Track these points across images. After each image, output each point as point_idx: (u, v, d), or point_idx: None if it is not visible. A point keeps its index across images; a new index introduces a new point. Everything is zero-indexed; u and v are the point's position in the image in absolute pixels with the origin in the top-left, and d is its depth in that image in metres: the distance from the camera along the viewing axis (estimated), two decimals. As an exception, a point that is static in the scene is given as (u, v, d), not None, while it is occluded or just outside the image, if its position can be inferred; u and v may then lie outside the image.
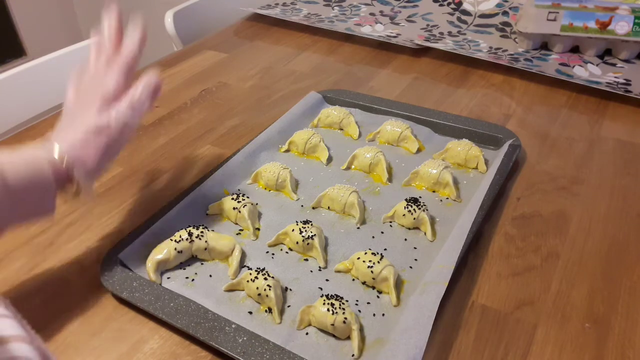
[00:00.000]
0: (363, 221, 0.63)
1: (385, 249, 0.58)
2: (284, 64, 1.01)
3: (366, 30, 1.10)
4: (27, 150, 0.49)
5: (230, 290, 0.54)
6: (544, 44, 1.02)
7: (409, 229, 0.61)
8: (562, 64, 0.96)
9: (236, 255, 0.56)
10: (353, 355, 0.47)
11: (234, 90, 0.92)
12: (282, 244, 0.60)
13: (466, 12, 1.14)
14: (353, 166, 0.72)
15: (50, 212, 0.50)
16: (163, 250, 0.55)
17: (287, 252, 0.59)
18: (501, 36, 1.07)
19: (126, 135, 0.54)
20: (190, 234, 0.57)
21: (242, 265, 0.57)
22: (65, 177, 0.50)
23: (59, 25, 2.49)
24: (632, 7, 0.95)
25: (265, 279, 0.52)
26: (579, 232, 0.61)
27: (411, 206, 0.61)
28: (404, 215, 0.61)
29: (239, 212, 0.61)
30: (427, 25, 1.12)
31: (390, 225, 0.62)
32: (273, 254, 0.58)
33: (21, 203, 0.47)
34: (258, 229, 0.62)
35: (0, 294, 0.53)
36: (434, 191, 0.67)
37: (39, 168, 0.48)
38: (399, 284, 0.54)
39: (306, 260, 0.58)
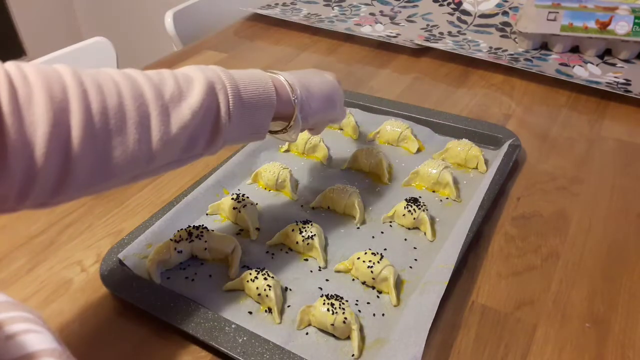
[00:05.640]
0: (363, 221, 0.63)
1: (385, 249, 0.58)
2: (284, 64, 1.01)
3: (366, 30, 1.10)
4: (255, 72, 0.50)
5: (230, 290, 0.54)
6: (544, 44, 1.02)
7: (409, 229, 0.61)
8: (562, 64, 0.96)
9: (236, 255, 0.56)
10: (353, 355, 0.47)
11: (234, 90, 0.92)
12: (282, 244, 0.60)
13: (466, 12, 1.14)
14: (353, 166, 0.72)
15: (263, 136, 0.52)
16: (163, 250, 0.55)
17: (287, 252, 0.59)
18: (501, 36, 1.07)
19: (336, 109, 0.60)
20: (190, 234, 0.57)
21: (242, 265, 0.57)
22: (286, 105, 0.51)
23: (59, 25, 2.49)
24: (632, 7, 0.95)
25: (265, 279, 0.52)
26: (579, 232, 0.61)
27: (411, 206, 0.61)
28: (404, 215, 0.61)
29: (239, 212, 0.61)
30: (427, 25, 1.12)
31: (390, 225, 0.62)
32: (273, 254, 0.58)
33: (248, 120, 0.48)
34: (258, 229, 0.62)
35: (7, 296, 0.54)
36: (434, 191, 0.67)
37: (268, 88, 0.49)
38: (399, 284, 0.54)
39: (306, 260, 0.58)
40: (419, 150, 0.75)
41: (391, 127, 0.76)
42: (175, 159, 0.45)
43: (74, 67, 0.39)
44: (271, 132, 0.54)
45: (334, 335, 0.49)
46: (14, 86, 0.35)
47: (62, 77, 0.37)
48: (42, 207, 0.39)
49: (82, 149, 0.37)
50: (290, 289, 0.54)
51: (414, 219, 0.60)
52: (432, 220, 0.62)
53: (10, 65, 0.36)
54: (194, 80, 0.44)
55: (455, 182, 0.67)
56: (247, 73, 0.49)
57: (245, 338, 0.47)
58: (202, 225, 0.59)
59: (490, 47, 1.02)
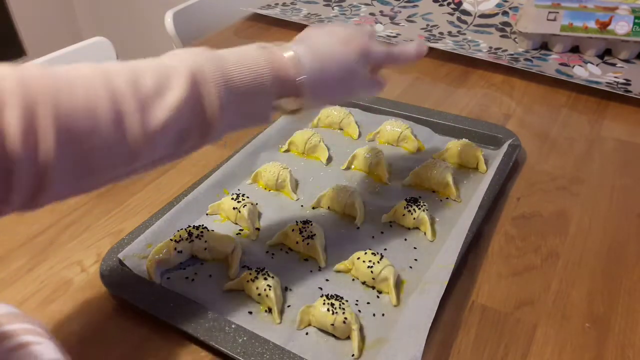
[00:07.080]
0: (363, 221, 0.62)
1: (385, 249, 0.58)
2: (284, 64, 1.01)
3: (366, 30, 1.09)
4: (250, 53, 0.46)
5: (230, 290, 0.54)
6: (544, 44, 1.02)
7: (409, 229, 0.61)
8: (562, 64, 0.96)
9: (236, 255, 0.56)
10: (353, 355, 0.47)
11: (234, 90, 0.92)
12: (282, 244, 0.60)
13: (466, 12, 1.14)
14: (353, 166, 0.72)
15: (267, 120, 0.49)
16: (163, 250, 0.55)
17: (287, 252, 0.59)
18: (501, 36, 1.07)
19: (358, 83, 0.53)
20: (190, 234, 0.57)
21: (242, 265, 0.57)
22: (290, 86, 0.47)
23: (59, 25, 2.49)
24: (632, 7, 0.95)
25: (265, 279, 0.52)
26: (579, 232, 0.61)
27: (411, 206, 0.61)
28: (404, 215, 0.61)
29: (239, 212, 0.61)
30: (427, 25, 1.12)
31: (390, 225, 0.62)
32: (273, 254, 0.58)
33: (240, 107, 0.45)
34: (258, 229, 0.62)
35: (5, 300, 0.54)
36: (433, 191, 0.67)
37: (261, 74, 0.45)
38: (399, 284, 0.54)
39: (306, 260, 0.58)
40: (419, 150, 0.75)
41: (391, 127, 0.76)
42: (168, 153, 0.43)
43: (47, 68, 0.37)
44: (285, 111, 0.50)
45: (334, 335, 0.49)
46: None
47: (29, 80, 0.36)
48: (25, 210, 0.38)
49: (55, 154, 0.35)
50: (290, 289, 0.54)
51: (414, 219, 0.60)
52: (432, 220, 0.62)
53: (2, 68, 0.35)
54: (175, 71, 0.42)
55: (455, 182, 0.67)
56: (240, 55, 0.45)
57: (245, 338, 0.47)
58: (202, 225, 0.59)
59: (490, 47, 1.02)
